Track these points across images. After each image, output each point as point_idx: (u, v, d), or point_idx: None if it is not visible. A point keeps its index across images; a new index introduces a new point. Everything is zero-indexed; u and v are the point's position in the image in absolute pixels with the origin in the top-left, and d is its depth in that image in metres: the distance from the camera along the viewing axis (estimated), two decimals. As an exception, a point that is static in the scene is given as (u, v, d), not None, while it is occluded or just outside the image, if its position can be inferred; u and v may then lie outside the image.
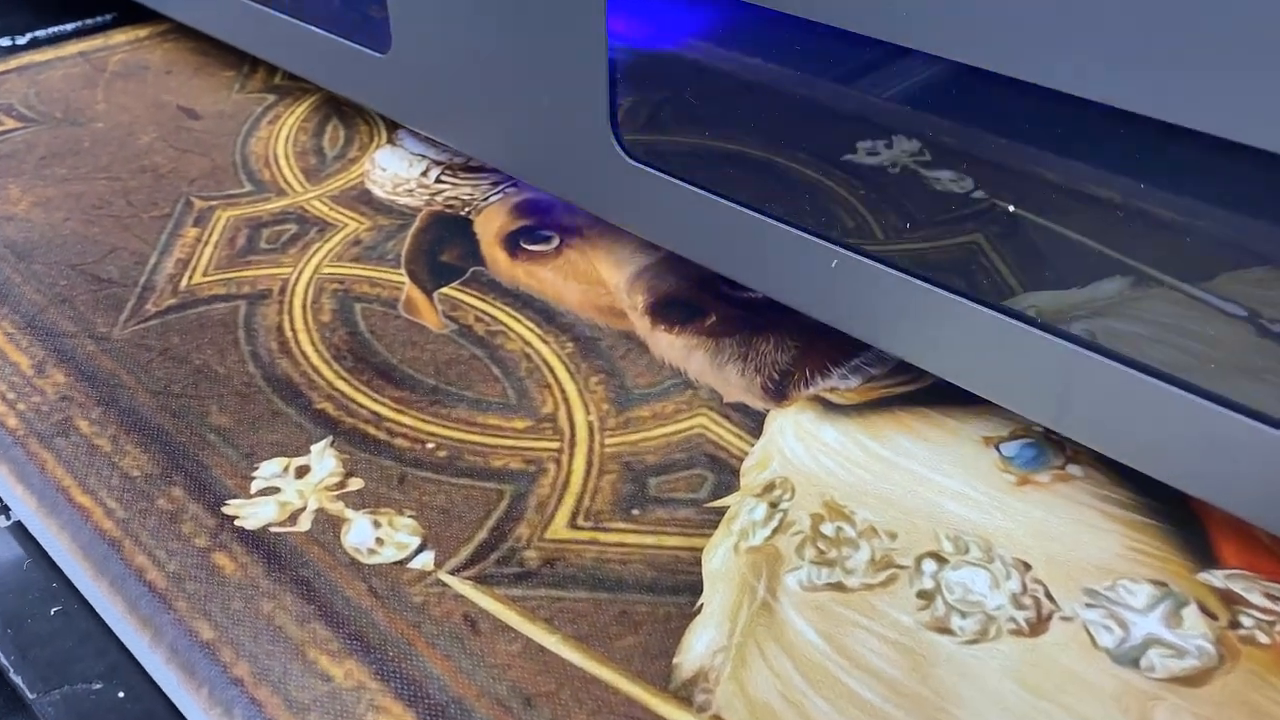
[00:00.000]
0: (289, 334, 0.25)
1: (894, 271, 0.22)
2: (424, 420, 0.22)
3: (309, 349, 0.24)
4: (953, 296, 0.21)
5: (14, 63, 0.38)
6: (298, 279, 0.27)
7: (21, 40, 0.43)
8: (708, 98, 0.27)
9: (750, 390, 0.23)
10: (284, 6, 0.32)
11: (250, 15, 0.33)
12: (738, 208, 0.23)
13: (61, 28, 0.44)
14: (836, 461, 0.21)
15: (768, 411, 0.23)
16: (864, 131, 0.28)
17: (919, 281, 0.21)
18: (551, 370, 0.24)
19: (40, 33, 0.43)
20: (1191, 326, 0.20)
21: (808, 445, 0.22)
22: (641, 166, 0.24)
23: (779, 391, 0.23)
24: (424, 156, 0.32)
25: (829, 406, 0.23)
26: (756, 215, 0.23)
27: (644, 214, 0.25)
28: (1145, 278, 0.21)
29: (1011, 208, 0.20)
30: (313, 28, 0.31)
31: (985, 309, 0.21)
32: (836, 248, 0.22)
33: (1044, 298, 0.22)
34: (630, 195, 0.25)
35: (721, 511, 0.20)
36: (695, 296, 0.26)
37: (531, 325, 0.25)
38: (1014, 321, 0.21)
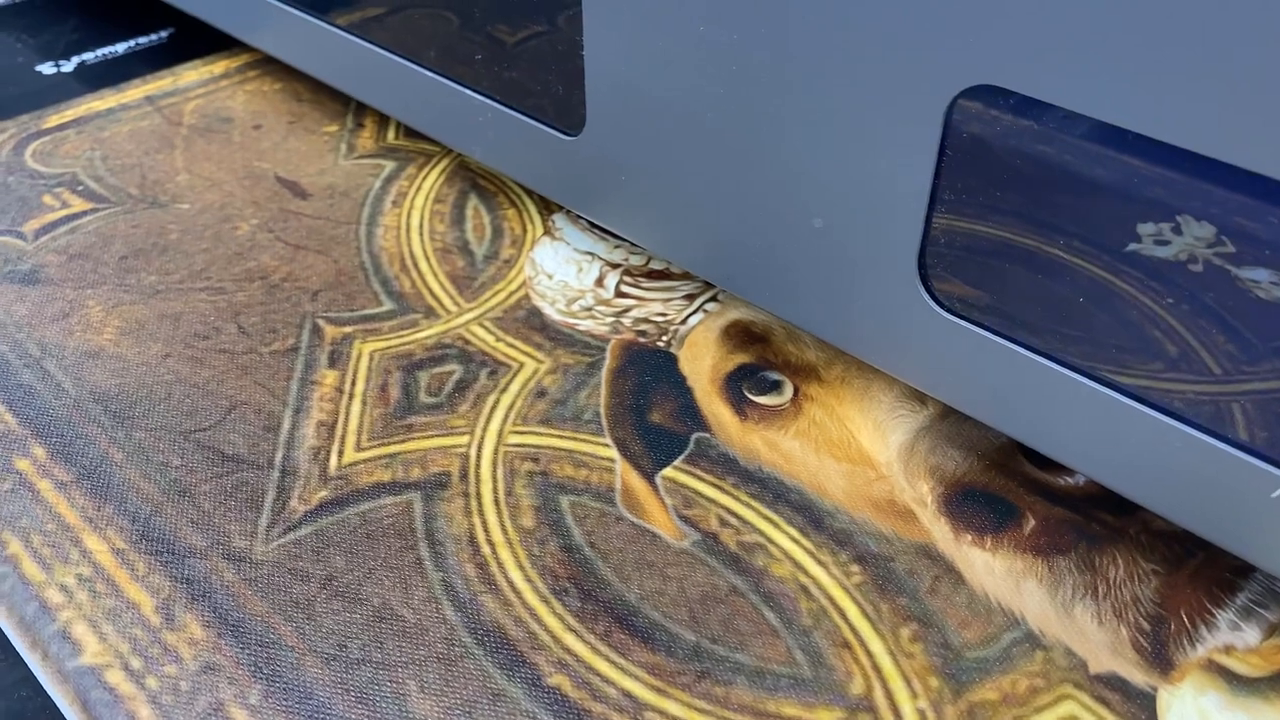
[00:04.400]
0: (486, 550, 0.19)
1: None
2: (696, 710, 0.17)
3: (517, 576, 0.19)
4: None
5: (70, 111, 0.32)
6: (479, 454, 0.21)
7: (68, 66, 0.36)
8: (1028, 197, 0.21)
9: (1119, 651, 0.17)
10: (432, 62, 0.26)
11: (398, 76, 0.27)
12: (1091, 384, 0.17)
13: (111, 49, 0.37)
14: (1280, 787, 0.16)
15: (1154, 691, 0.17)
16: (1139, 209, 0.22)
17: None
18: (844, 615, 0.18)
19: (88, 56, 0.37)
20: None
21: (1232, 757, 0.16)
22: (961, 323, 0.18)
23: (1159, 655, 0.17)
24: (593, 255, 0.26)
25: (1234, 681, 0.17)
26: (1122, 398, 0.17)
27: (963, 383, 0.19)
28: None
29: None
30: (486, 99, 0.24)
31: None
32: (1275, 469, 0.16)
33: None
34: (942, 357, 0.19)
35: None
36: (998, 485, 0.20)
37: (796, 534, 0.19)
38: None
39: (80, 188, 0.28)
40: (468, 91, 0.25)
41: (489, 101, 0.25)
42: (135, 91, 0.33)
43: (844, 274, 0.20)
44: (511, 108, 0.24)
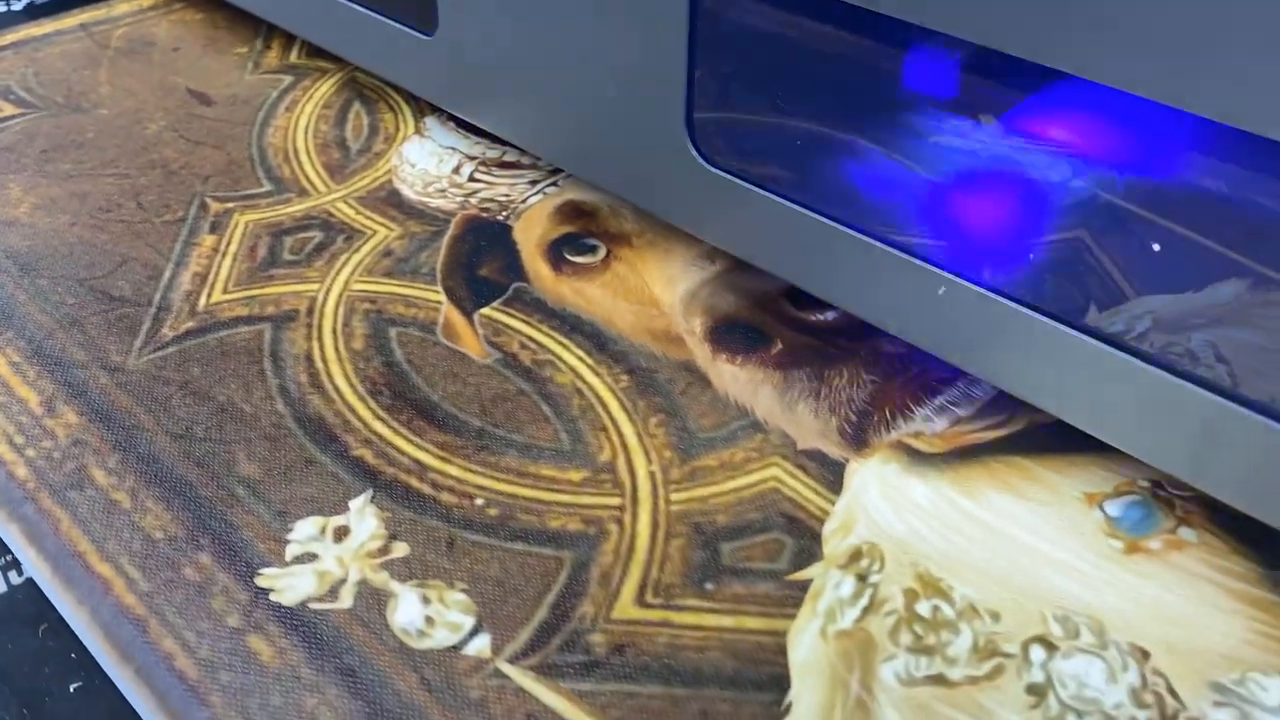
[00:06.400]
0: (319, 364, 0.23)
1: (1007, 302, 0.19)
2: (471, 470, 0.21)
3: (342, 382, 0.22)
4: (1077, 334, 0.19)
5: (10, 36, 0.36)
6: (326, 297, 0.25)
7: (17, 6, 0.40)
8: (773, 67, 0.25)
9: (826, 435, 0.21)
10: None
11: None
12: (829, 222, 0.21)
13: (60, -9, 0.41)
14: (928, 525, 0.19)
15: (847, 461, 0.21)
16: (893, 73, 0.25)
17: (1036, 315, 0.19)
18: (606, 409, 0.22)
19: (37, -3, 0.41)
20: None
21: (895, 504, 0.20)
22: (721, 174, 0.22)
23: (858, 437, 0.21)
24: (455, 150, 0.30)
25: (915, 456, 0.21)
26: (849, 231, 0.21)
27: (722, 225, 0.23)
28: (1263, 280, 0.19)
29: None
30: (350, 3, 0.28)
31: (1117, 351, 0.19)
32: (943, 272, 0.20)
33: (1159, 303, 0.20)
34: (707, 204, 0.23)
35: (805, 586, 0.18)
36: (758, 319, 0.24)
37: (582, 354, 0.23)
38: (1148, 366, 0.19)
39: (12, 97, 0.32)
40: (345, 2, 0.29)
41: (362, 9, 0.28)
42: (71, 20, 0.37)
43: (634, 138, 0.24)
44: (379, 12, 0.28)
